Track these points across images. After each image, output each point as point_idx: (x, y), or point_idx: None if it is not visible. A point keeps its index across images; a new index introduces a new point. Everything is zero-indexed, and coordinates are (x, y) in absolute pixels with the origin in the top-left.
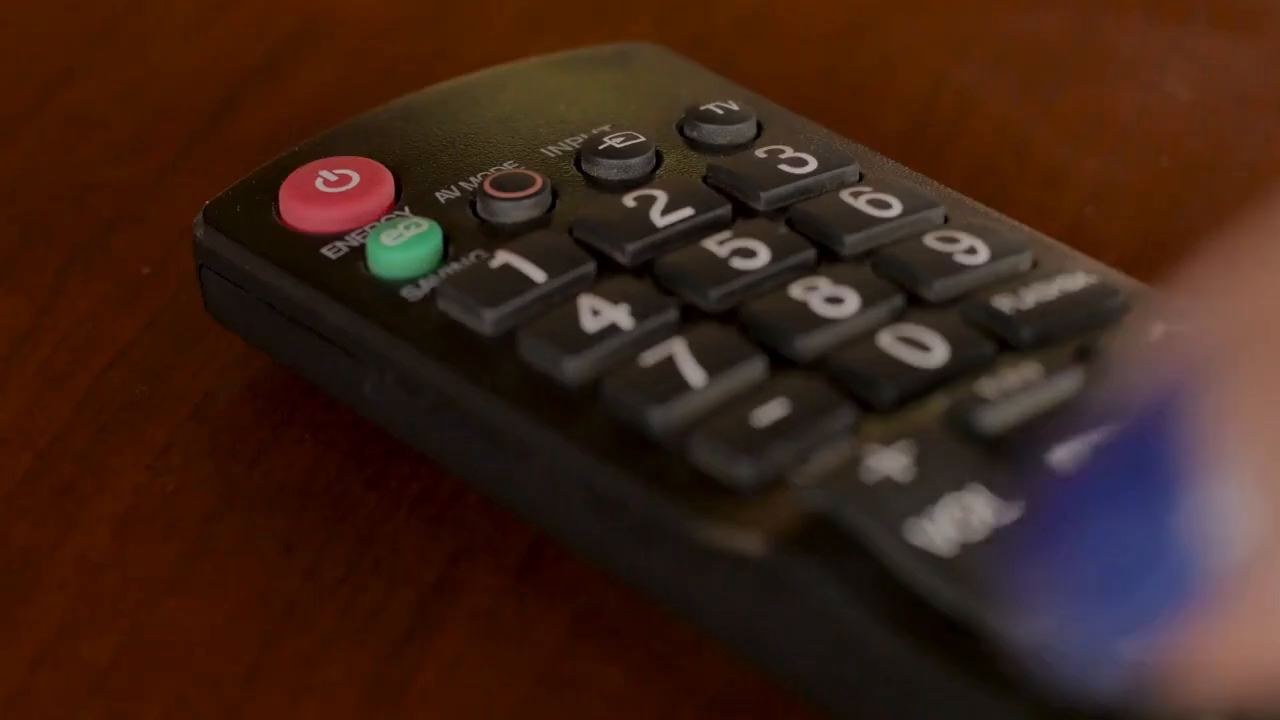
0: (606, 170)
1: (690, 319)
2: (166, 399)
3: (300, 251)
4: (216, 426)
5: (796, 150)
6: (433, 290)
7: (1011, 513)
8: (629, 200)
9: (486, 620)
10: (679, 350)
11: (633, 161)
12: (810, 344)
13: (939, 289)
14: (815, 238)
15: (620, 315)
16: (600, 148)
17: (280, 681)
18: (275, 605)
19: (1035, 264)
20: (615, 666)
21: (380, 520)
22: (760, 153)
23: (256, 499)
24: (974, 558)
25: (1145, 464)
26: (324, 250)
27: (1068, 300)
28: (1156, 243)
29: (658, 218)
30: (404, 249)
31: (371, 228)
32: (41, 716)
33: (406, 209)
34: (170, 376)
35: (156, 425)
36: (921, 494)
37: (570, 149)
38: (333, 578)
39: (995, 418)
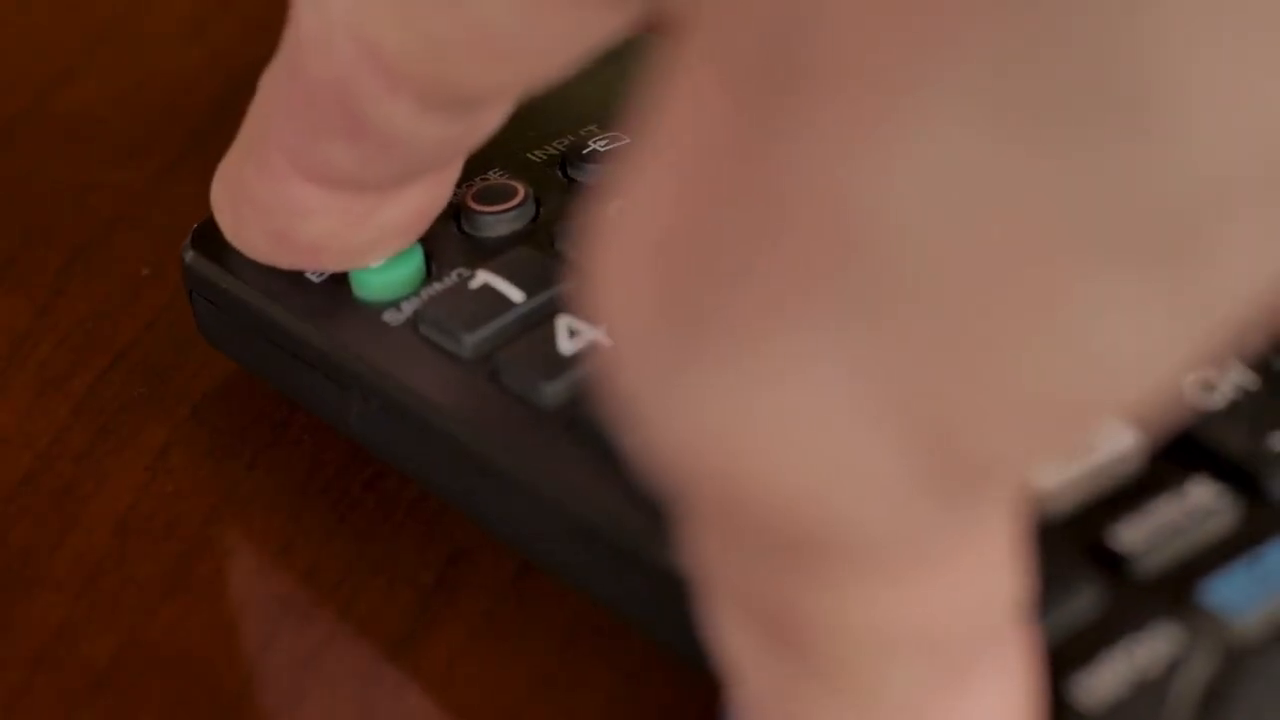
0: (591, 176)
1: None
2: (166, 399)
3: (284, 276)
4: (216, 427)
5: None
6: (414, 313)
7: None
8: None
9: (485, 621)
10: None
11: None
12: None
13: None
14: None
15: (599, 336)
16: (584, 152)
17: (280, 681)
18: (275, 605)
19: None
20: (613, 668)
21: (379, 521)
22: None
23: (256, 499)
24: None
25: None
26: (308, 274)
27: None
28: None
29: None
30: (385, 271)
31: None
32: (41, 716)
33: None
34: (170, 377)
35: (156, 425)
36: None
37: (555, 153)
38: (332, 578)
39: None
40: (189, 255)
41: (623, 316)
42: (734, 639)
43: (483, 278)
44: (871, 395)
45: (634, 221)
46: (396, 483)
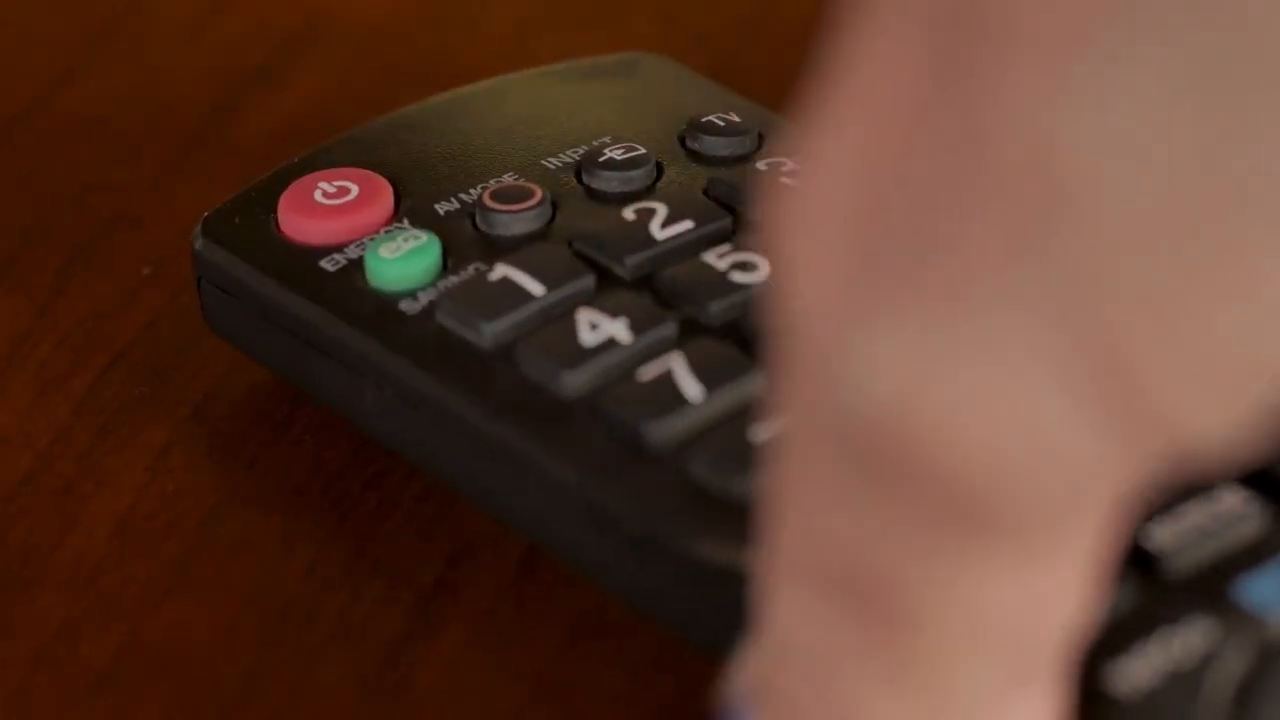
0: (606, 182)
1: (689, 333)
2: (166, 399)
3: (299, 264)
4: (216, 427)
5: None
6: (431, 303)
7: None
8: (629, 213)
9: (485, 620)
10: (677, 365)
11: (633, 174)
12: None
13: None
14: None
15: (619, 329)
16: (600, 160)
17: (280, 681)
18: (275, 605)
19: None
20: (615, 667)
21: (379, 520)
22: (762, 164)
23: (256, 499)
24: None
25: None
26: (322, 263)
27: None
28: None
29: (658, 231)
30: (402, 262)
31: (370, 240)
32: (41, 716)
33: (405, 221)
34: (170, 377)
35: (156, 426)
36: None
37: (571, 160)
38: (332, 578)
39: None
40: (199, 242)
41: (815, 268)
42: (795, 611)
43: (502, 270)
44: (1071, 359)
45: (827, 178)
46: (397, 482)
